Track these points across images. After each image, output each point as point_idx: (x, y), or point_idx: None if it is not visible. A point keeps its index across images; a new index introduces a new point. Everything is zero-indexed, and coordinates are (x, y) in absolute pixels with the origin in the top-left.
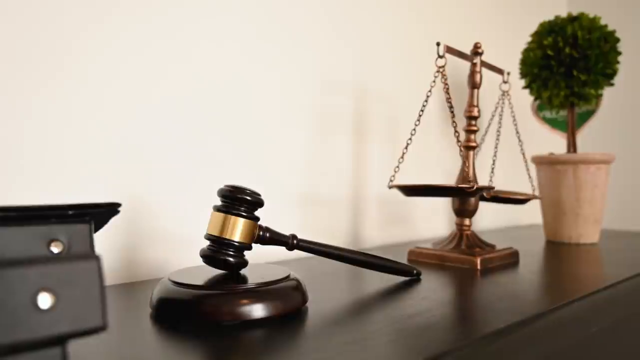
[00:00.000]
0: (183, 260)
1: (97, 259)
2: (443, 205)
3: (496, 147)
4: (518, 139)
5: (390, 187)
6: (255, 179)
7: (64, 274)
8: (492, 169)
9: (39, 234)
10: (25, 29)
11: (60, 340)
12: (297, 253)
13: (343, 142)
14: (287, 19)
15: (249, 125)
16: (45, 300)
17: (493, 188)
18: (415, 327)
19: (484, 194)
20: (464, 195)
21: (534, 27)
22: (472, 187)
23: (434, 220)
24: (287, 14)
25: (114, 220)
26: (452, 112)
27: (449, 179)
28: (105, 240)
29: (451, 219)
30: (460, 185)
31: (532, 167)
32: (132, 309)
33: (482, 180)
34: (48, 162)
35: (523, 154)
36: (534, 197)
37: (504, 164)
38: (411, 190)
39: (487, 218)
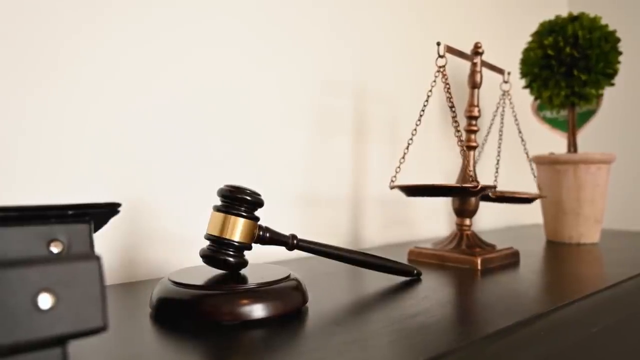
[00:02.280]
0: (183, 260)
1: (97, 259)
2: (443, 205)
3: (499, 147)
4: (521, 139)
5: (392, 187)
6: (255, 179)
7: (64, 274)
8: (497, 168)
9: (39, 234)
10: (19, 29)
11: (61, 341)
12: (297, 253)
13: (343, 142)
14: (286, 19)
15: (249, 125)
16: (45, 301)
17: (496, 187)
18: (416, 327)
19: (489, 194)
20: (467, 195)
21: (534, 27)
22: (477, 186)
23: (434, 221)
24: (287, 14)
25: (114, 221)
26: (453, 112)
27: (449, 179)
28: (105, 240)
29: (451, 219)
30: (464, 185)
31: (533, 167)
32: (132, 309)
33: (485, 181)
34: (48, 162)
35: (527, 154)
36: (540, 196)
37: (505, 164)
38: (413, 191)
39: (488, 218)
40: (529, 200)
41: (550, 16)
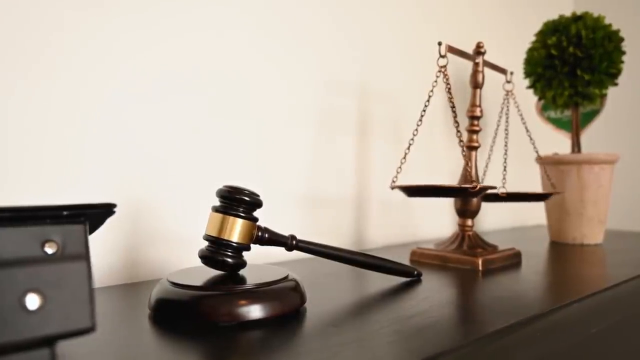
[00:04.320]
0: (184, 260)
1: (86, 260)
2: (446, 205)
3: (506, 146)
4: (529, 137)
5: (393, 187)
6: (257, 178)
7: (53, 275)
8: (505, 167)
9: (33, 234)
10: (4, 25)
11: (49, 342)
12: (299, 254)
13: (346, 142)
14: (291, 18)
15: (252, 125)
16: (33, 302)
17: (495, 188)
18: (415, 327)
19: (498, 193)
20: (467, 196)
21: (538, 27)
22: (476, 187)
23: (437, 221)
24: (292, 13)
25: (115, 221)
26: (454, 112)
27: (456, 179)
28: (106, 241)
29: (455, 220)
30: (463, 186)
31: (536, 167)
32: (132, 310)
33: (495, 181)
34: (46, 162)
35: (537, 152)
36: (555, 192)
37: (508, 164)
38: (413, 191)
39: (492, 219)
40: (543, 197)
41: (554, 16)
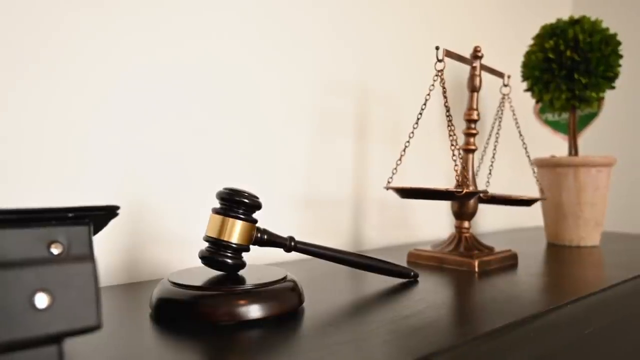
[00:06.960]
0: (185, 260)
1: (92, 260)
2: (444, 207)
3: (495, 150)
4: (522, 142)
5: (387, 188)
6: (256, 180)
7: (60, 275)
8: (490, 170)
9: (39, 236)
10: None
11: (56, 339)
12: (298, 255)
13: (344, 143)
14: (288, 20)
15: (250, 126)
16: (42, 300)
17: (486, 192)
18: (410, 327)
19: (481, 196)
20: (455, 199)
21: (536, 30)
22: (461, 191)
23: (435, 223)
24: (288, 14)
25: (118, 222)
26: (448, 115)
27: (453, 182)
28: (108, 241)
29: (452, 221)
30: (449, 189)
31: (534, 170)
32: (133, 309)
33: (492, 183)
34: (49, 163)
35: (528, 157)
36: (540, 198)
37: (506, 167)
38: (405, 193)
39: (490, 220)
40: (527, 203)
41: (553, 19)
